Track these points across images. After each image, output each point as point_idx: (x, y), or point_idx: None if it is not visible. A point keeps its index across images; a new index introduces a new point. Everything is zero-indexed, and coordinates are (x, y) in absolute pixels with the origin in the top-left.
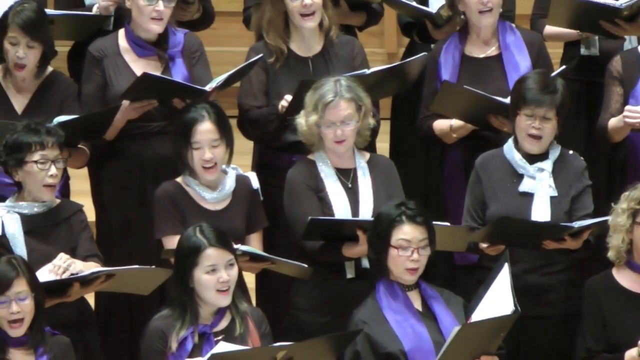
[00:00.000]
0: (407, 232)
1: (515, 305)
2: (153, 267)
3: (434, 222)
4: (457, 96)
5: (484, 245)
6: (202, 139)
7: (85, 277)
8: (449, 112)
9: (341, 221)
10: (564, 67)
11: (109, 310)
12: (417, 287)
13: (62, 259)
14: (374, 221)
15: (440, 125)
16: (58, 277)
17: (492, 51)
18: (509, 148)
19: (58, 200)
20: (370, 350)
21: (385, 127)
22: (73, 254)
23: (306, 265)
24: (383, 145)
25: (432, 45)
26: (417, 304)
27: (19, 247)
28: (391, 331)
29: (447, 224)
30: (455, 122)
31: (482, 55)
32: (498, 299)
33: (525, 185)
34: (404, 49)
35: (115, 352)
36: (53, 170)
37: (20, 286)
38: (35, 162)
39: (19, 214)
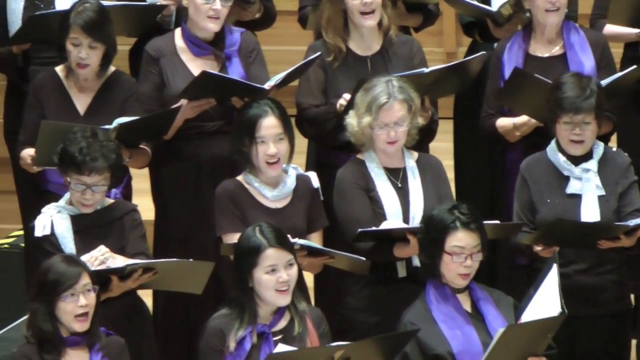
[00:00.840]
0: (461, 239)
1: (562, 307)
2: (191, 260)
3: (485, 222)
4: (526, 85)
5: (538, 247)
6: (266, 133)
7: (120, 269)
8: (515, 103)
9: (389, 231)
10: (634, 67)
11: (166, 310)
12: (467, 289)
13: (100, 250)
14: (427, 225)
15: (503, 122)
16: (93, 268)
17: (556, 50)
18: (552, 151)
19: (111, 201)
20: (419, 351)
21: (448, 126)
22: (123, 253)
23: (364, 259)
24: (446, 145)
25: (495, 44)
26: (467, 306)
27: (69, 246)
28: (440, 333)
29: (497, 221)
30: (519, 120)
31: (546, 55)
32: (546, 300)
33: (572, 187)
34: (466, 49)
35: (173, 352)
36: (88, 195)
37: (86, 278)
38: (71, 183)
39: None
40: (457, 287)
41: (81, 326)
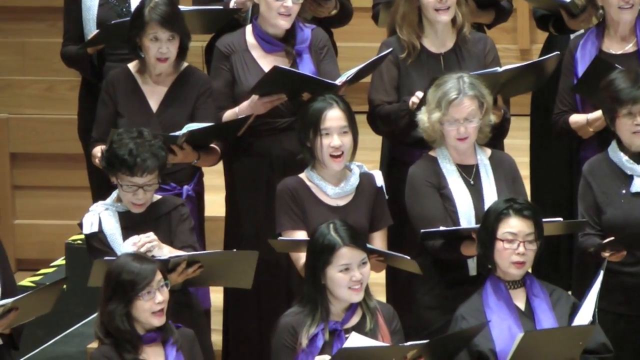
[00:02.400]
0: (513, 226)
1: (593, 316)
2: (234, 250)
3: (548, 220)
4: (605, 75)
5: (606, 253)
6: (332, 125)
7: (163, 260)
8: (592, 93)
9: (454, 231)
10: None
11: (237, 308)
12: (523, 285)
13: (149, 237)
14: (483, 216)
15: (577, 118)
16: (136, 250)
17: (629, 47)
18: (613, 151)
19: (158, 197)
20: None
21: (524, 123)
22: (171, 247)
23: (409, 258)
24: (522, 142)
25: (572, 36)
26: (521, 302)
27: (118, 242)
28: (486, 330)
29: (560, 219)
30: (592, 115)
31: (619, 52)
32: (587, 307)
33: (637, 186)
34: (539, 46)
35: (244, 349)
36: (140, 195)
37: (159, 274)
38: (122, 185)
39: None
40: (512, 280)
41: (159, 321)
